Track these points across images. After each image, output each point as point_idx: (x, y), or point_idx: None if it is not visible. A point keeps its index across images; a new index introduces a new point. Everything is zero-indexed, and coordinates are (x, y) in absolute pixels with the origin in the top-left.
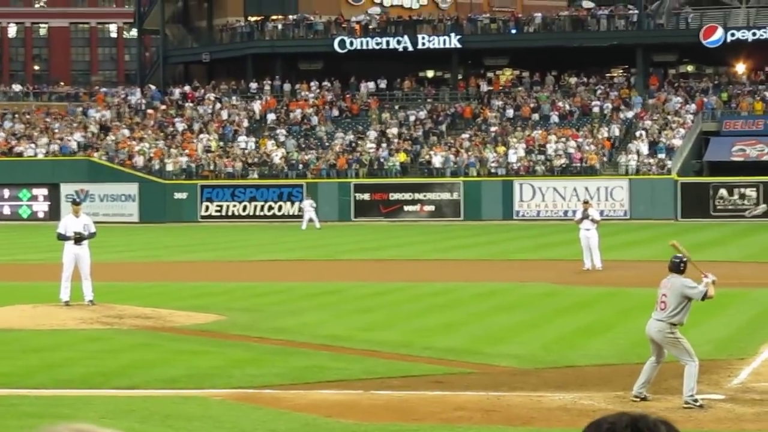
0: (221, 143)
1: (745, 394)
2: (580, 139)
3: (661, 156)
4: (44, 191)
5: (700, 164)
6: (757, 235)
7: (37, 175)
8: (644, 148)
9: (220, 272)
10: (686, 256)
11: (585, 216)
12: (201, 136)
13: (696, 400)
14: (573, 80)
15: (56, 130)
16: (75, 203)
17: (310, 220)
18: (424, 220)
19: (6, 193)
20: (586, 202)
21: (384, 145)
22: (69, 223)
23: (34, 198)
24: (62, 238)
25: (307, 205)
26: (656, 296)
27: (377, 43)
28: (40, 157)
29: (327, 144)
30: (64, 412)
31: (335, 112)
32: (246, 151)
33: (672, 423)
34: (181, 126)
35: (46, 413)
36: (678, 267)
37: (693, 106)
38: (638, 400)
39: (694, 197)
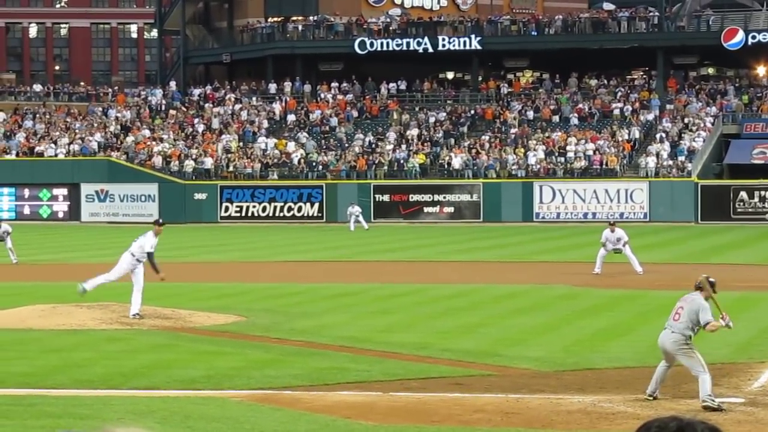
0: (241, 144)
1: (765, 398)
2: (600, 141)
3: (681, 158)
4: (64, 191)
5: (720, 167)
6: None
7: (57, 175)
8: (664, 151)
9: (240, 273)
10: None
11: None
12: (221, 136)
13: (714, 400)
14: (593, 82)
15: (77, 131)
16: (159, 224)
17: (357, 221)
18: (443, 221)
19: (26, 192)
20: (612, 224)
21: (404, 146)
22: (153, 242)
23: (54, 198)
24: (151, 257)
25: (356, 211)
26: (673, 307)
27: (397, 45)
28: (61, 157)
29: (347, 145)
30: (83, 412)
31: (355, 114)
32: (266, 152)
33: (720, 429)
34: (201, 126)
35: (65, 413)
36: (700, 287)
37: (713, 109)
38: (651, 399)
39: (714, 200)
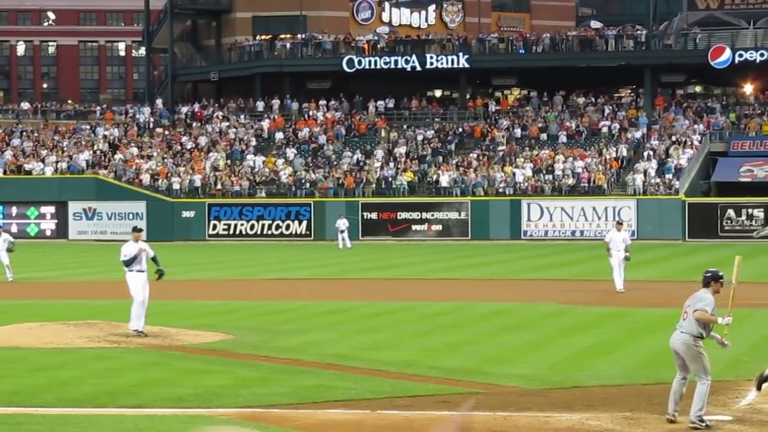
0: (229, 162)
1: (753, 416)
2: (587, 159)
3: (669, 176)
4: (52, 209)
5: (707, 185)
6: (765, 255)
7: (45, 193)
8: (652, 168)
9: (228, 291)
10: (730, 280)
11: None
12: (209, 154)
13: (702, 421)
14: (581, 100)
15: (64, 148)
16: (137, 230)
17: (343, 238)
18: (431, 239)
19: (14, 210)
20: (619, 223)
21: (392, 164)
22: (131, 249)
23: (41, 216)
24: (129, 263)
25: (341, 224)
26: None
27: (385, 63)
28: (49, 175)
29: (335, 163)
30: (71, 431)
31: (343, 131)
32: (254, 170)
33: None
34: (189, 144)
35: None
36: (708, 282)
37: (701, 127)
38: (671, 421)
39: (702, 218)
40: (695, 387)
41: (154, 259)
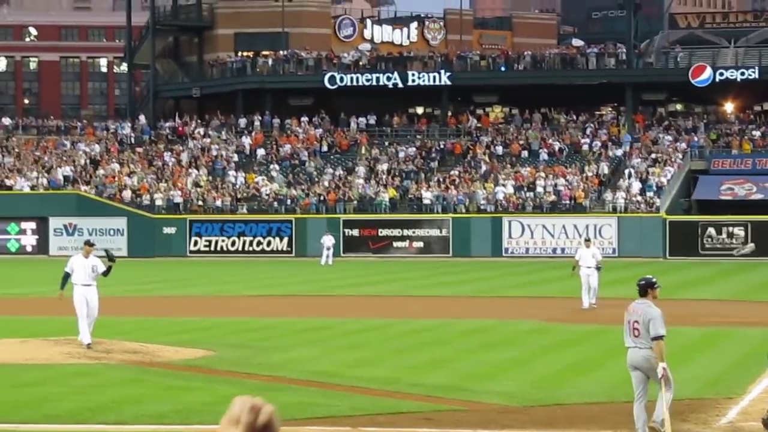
0: (210, 178)
1: None
2: (569, 177)
3: (650, 194)
4: (33, 225)
5: (688, 202)
6: (744, 273)
7: (25, 208)
8: (633, 186)
9: (209, 307)
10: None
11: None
12: (190, 170)
13: (662, 429)
14: (562, 118)
15: (45, 164)
16: (88, 244)
17: (328, 255)
18: (413, 256)
19: None
20: (587, 240)
21: (373, 180)
22: (76, 263)
23: (22, 232)
24: (67, 278)
25: (327, 240)
26: (625, 321)
27: (367, 80)
28: (29, 190)
29: (316, 179)
30: None
31: (325, 148)
32: (235, 186)
33: None
34: (170, 160)
35: None
36: (645, 290)
37: (682, 145)
38: None
39: (683, 235)
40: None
41: (105, 274)
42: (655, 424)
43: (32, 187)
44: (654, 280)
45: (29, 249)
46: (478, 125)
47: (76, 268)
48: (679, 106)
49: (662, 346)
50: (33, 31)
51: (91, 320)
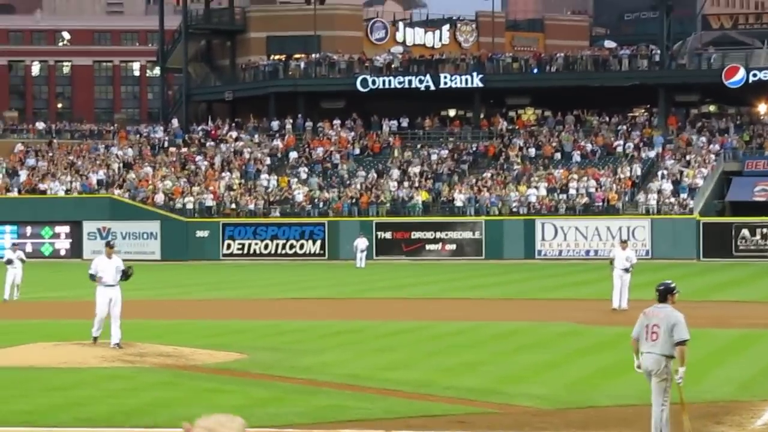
0: (243, 181)
1: None
2: (602, 179)
3: (683, 196)
4: (66, 229)
5: (722, 204)
6: None
7: (59, 212)
8: (667, 188)
9: (242, 310)
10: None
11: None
12: (223, 174)
13: None
14: (595, 120)
15: (79, 168)
16: (109, 245)
17: (362, 258)
18: (445, 259)
19: (28, 230)
20: (624, 242)
21: (406, 183)
22: (101, 265)
23: (56, 236)
24: (93, 279)
25: (361, 243)
26: (641, 325)
27: (399, 82)
28: (63, 194)
29: (348, 182)
30: None
31: (357, 151)
32: (268, 190)
33: None
34: (203, 164)
35: None
36: (666, 296)
37: (715, 146)
38: None
39: (716, 237)
40: (651, 414)
41: (124, 272)
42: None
43: (66, 192)
44: (673, 285)
45: (63, 253)
46: (511, 127)
47: (102, 270)
48: (712, 108)
49: (685, 351)
50: (66, 35)
51: (116, 317)
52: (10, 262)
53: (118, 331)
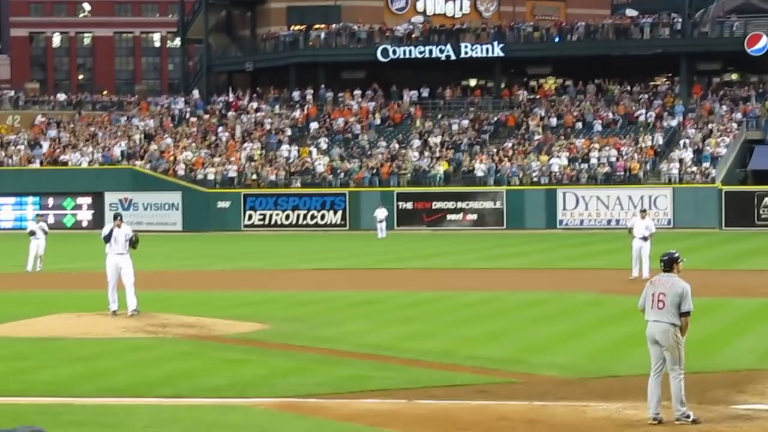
0: (264, 152)
1: None
2: (623, 148)
3: (706, 164)
4: (88, 200)
5: (744, 173)
6: None
7: (81, 184)
8: (688, 157)
9: (264, 281)
10: None
11: (638, 226)
12: (244, 144)
13: (688, 416)
14: (616, 89)
15: (100, 139)
16: (119, 219)
17: (382, 228)
18: (466, 228)
19: (51, 201)
20: (643, 211)
21: (426, 153)
22: (111, 231)
23: (78, 207)
24: (108, 240)
25: (380, 213)
26: (648, 294)
27: (420, 52)
28: (85, 166)
29: (369, 152)
30: (109, 421)
31: (378, 121)
32: (289, 160)
33: None
34: (224, 135)
35: (90, 422)
36: (671, 265)
37: (737, 115)
38: (656, 423)
39: (739, 206)
40: (670, 382)
41: (131, 240)
42: (682, 418)
43: (89, 163)
44: (677, 254)
45: (85, 224)
46: (532, 97)
47: (113, 236)
48: (734, 76)
49: (688, 322)
50: (87, 6)
51: (129, 285)
52: (33, 233)
53: (134, 298)
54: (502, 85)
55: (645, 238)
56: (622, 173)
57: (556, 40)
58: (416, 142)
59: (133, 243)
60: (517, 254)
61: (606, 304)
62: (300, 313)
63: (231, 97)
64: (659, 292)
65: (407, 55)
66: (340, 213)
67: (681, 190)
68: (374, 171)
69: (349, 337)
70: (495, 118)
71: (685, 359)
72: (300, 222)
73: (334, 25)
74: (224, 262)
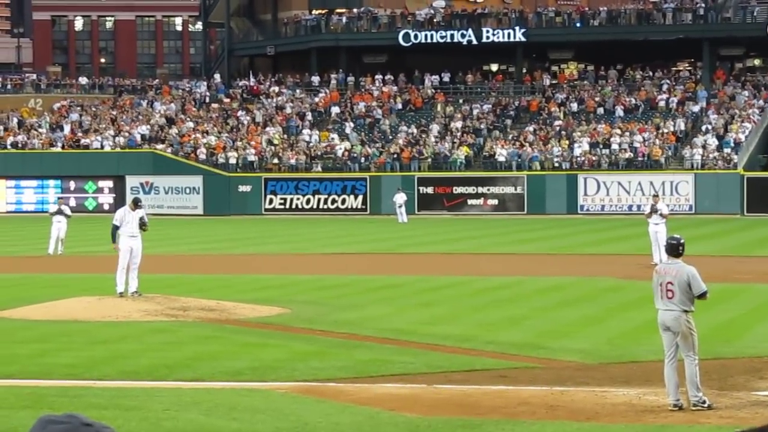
0: (285, 136)
1: None
2: (645, 133)
3: (727, 150)
4: (110, 183)
5: (766, 159)
6: None
7: (102, 167)
8: (710, 143)
9: (284, 265)
10: None
11: (654, 210)
12: (265, 129)
13: (704, 402)
14: (638, 74)
15: (122, 123)
16: (137, 204)
17: (401, 213)
18: (487, 213)
19: (72, 185)
20: (655, 196)
21: (448, 138)
22: (126, 216)
23: (99, 190)
24: (116, 230)
25: (399, 198)
26: (656, 283)
27: (441, 37)
28: (106, 149)
29: (390, 137)
30: (129, 404)
31: (399, 106)
32: (310, 144)
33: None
34: (245, 119)
35: (111, 404)
36: (677, 250)
37: (760, 101)
38: (677, 409)
39: (761, 192)
40: (686, 369)
41: (141, 219)
42: (698, 404)
43: (112, 146)
44: (682, 240)
45: (106, 207)
46: (553, 82)
47: (127, 221)
48: (756, 62)
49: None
50: None
51: (135, 267)
52: (60, 212)
53: (136, 280)
54: (524, 70)
55: (658, 222)
56: (644, 159)
57: (578, 25)
58: (437, 127)
59: (141, 225)
60: (537, 239)
61: (626, 289)
62: (320, 297)
63: (252, 81)
64: (667, 281)
65: (429, 40)
66: (360, 197)
67: (702, 176)
68: (395, 155)
69: (370, 321)
70: (516, 103)
71: (698, 344)
72: (321, 206)
73: (355, 10)
74: (245, 246)
